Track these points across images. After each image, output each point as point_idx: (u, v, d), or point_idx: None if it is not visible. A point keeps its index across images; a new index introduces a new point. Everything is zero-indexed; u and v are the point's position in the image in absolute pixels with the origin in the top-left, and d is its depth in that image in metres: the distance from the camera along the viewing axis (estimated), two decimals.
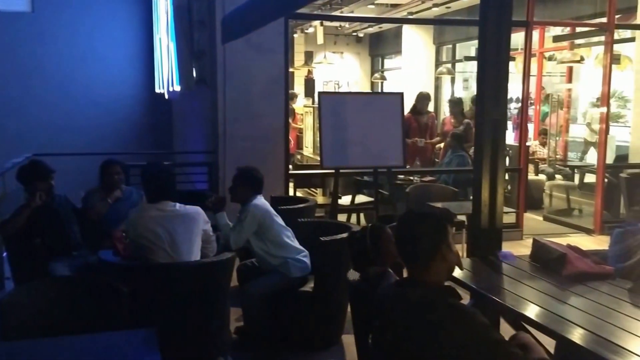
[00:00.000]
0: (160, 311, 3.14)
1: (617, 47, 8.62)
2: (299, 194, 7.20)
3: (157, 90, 10.05)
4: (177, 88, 7.58)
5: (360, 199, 6.70)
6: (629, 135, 8.26)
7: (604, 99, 7.12)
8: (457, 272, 2.97)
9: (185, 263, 3.26)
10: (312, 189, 7.84)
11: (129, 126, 10.65)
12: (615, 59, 7.70)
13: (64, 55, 10.24)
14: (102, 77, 10.50)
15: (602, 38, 7.31)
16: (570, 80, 9.93)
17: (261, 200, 3.73)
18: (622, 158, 8.43)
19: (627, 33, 8.22)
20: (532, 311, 2.54)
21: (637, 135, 7.59)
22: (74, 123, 10.08)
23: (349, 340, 3.61)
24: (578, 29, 8.88)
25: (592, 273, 2.92)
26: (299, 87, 14.69)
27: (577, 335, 2.24)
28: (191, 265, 3.27)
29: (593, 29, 8.13)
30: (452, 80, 12.63)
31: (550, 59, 10.14)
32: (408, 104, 8.43)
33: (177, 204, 3.37)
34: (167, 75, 8.42)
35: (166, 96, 9.10)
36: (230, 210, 3.79)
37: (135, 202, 4.12)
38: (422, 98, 7.96)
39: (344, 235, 3.54)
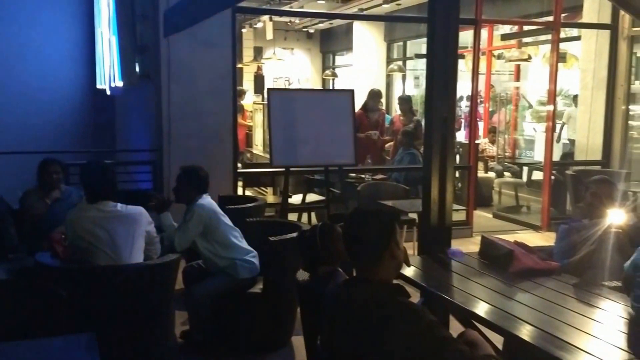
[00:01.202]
0: (101, 315, 3.08)
1: (564, 46, 8.95)
2: (248, 193, 7.16)
3: (98, 86, 9.78)
4: (119, 84, 7.40)
5: (312, 197, 6.71)
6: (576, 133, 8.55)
7: (551, 97, 7.36)
8: (408, 271, 3.04)
9: (127, 265, 3.20)
10: (262, 188, 7.80)
11: (69, 123, 10.32)
12: (561, 58, 7.98)
13: None
14: (40, 72, 10.11)
15: (549, 37, 7.56)
16: (518, 79, 10.22)
17: (207, 200, 3.68)
18: (568, 155, 8.75)
19: (574, 32, 8.52)
20: (480, 308, 2.59)
21: (583, 132, 7.88)
22: (9, 120, 9.67)
23: (299, 342, 3.60)
24: (525, 28, 9.17)
25: (538, 269, 3.01)
26: (248, 84, 14.59)
27: (524, 332, 2.30)
28: (133, 267, 3.21)
29: (540, 27, 8.40)
30: (404, 78, 12.81)
31: (499, 57, 10.41)
32: (359, 102, 8.52)
33: (119, 204, 3.30)
34: (108, 70, 8.20)
35: (108, 92, 8.87)
36: (176, 210, 3.73)
37: (74, 203, 3.99)
38: (374, 95, 8.04)
39: (294, 235, 3.54)
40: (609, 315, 2.44)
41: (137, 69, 6.85)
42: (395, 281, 2.79)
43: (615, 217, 2.83)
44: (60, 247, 3.30)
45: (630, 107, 7.54)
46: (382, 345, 1.85)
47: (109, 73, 8.19)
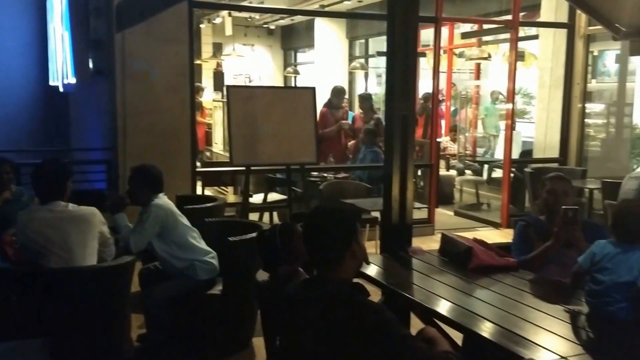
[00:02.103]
0: (53, 320, 3.02)
1: (523, 45, 9.16)
2: (208, 192, 7.10)
3: (51, 83, 9.54)
4: (72, 80, 7.24)
5: (273, 196, 6.71)
6: (534, 131, 8.77)
7: (509, 95, 7.53)
8: (369, 269, 3.07)
9: (80, 268, 3.14)
10: (223, 188, 7.75)
11: (21, 122, 10.04)
12: (520, 56, 8.17)
13: None
14: None
15: (508, 35, 7.73)
16: (478, 77, 10.41)
17: (163, 200, 3.64)
18: (527, 153, 8.96)
19: (533, 30, 8.73)
20: (439, 305, 2.64)
21: (541, 130, 8.08)
22: None
23: (260, 343, 3.59)
24: (485, 26, 9.35)
25: (496, 265, 3.07)
26: (207, 81, 14.45)
27: (482, 328, 2.35)
28: (86, 270, 3.15)
29: (499, 26, 8.58)
30: (366, 76, 12.89)
31: (460, 55, 10.59)
32: (322, 99, 8.54)
33: (71, 205, 3.23)
34: (61, 66, 8.03)
35: (61, 89, 8.67)
36: (132, 211, 3.68)
37: (25, 204, 3.90)
38: (337, 92, 8.08)
39: (254, 235, 3.53)
40: (563, 310, 2.51)
41: (91, 65, 6.71)
42: (356, 280, 2.83)
43: (572, 213, 2.91)
44: (10, 250, 3.22)
45: (587, 105, 7.77)
46: (342, 344, 1.86)
47: (62, 69, 8.01)
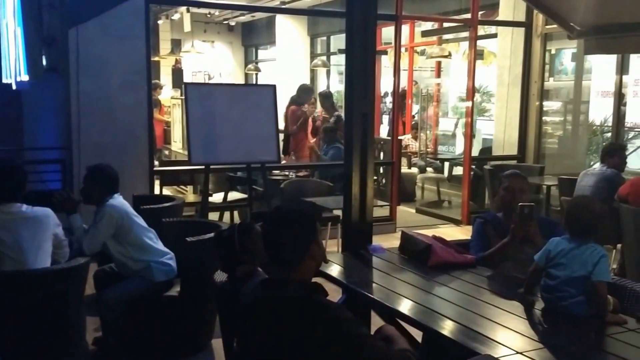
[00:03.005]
0: (6, 323, 2.97)
1: (484, 43, 9.32)
2: (167, 192, 7.01)
3: (4, 80, 9.25)
4: (25, 78, 7.03)
5: (234, 195, 6.66)
6: (493, 129, 8.93)
7: (469, 93, 7.65)
8: (330, 269, 3.07)
9: (33, 270, 3.08)
10: (182, 187, 7.66)
11: None
12: (479, 54, 8.31)
13: None
14: None
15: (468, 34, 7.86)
16: (439, 75, 10.54)
17: (118, 200, 3.57)
18: (487, 150, 9.13)
19: (493, 29, 8.88)
20: (399, 304, 2.65)
21: (500, 128, 8.24)
22: None
23: (219, 345, 3.56)
24: (446, 25, 9.48)
25: (455, 262, 3.12)
26: (166, 77, 14.26)
27: (441, 326, 2.38)
28: (39, 272, 3.09)
29: (458, 24, 8.71)
30: (328, 73, 12.92)
31: (422, 53, 10.70)
32: (284, 97, 8.53)
33: (24, 206, 3.17)
34: (14, 63, 7.79)
35: (14, 87, 8.41)
36: (88, 212, 3.60)
37: None
38: (306, 90, 8.10)
39: (212, 234, 3.49)
40: (520, 306, 2.56)
41: (44, 62, 6.53)
42: (317, 279, 2.83)
43: (528, 209, 2.97)
44: None
45: (544, 103, 7.96)
46: (300, 346, 1.86)
47: (14, 66, 7.78)
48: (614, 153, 5.38)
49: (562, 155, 8.14)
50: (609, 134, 7.55)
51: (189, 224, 4.26)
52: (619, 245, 5.24)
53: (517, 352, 2.10)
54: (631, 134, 12.06)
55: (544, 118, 7.93)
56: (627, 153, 6.00)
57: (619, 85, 6.90)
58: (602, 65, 9.59)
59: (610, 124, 7.55)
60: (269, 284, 2.03)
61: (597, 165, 5.40)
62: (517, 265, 3.00)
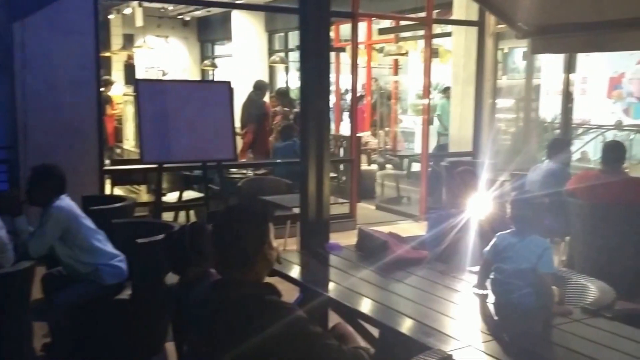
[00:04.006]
0: None
1: (441, 41, 9.47)
2: (119, 192, 6.88)
3: None
4: None
5: (189, 195, 6.59)
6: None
7: (425, 90, 7.77)
8: (288, 268, 3.08)
9: None
10: (135, 186, 7.54)
11: None
12: (434, 53, 8.44)
13: None
14: None
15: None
16: (396, 73, 10.66)
17: (66, 202, 3.49)
18: (444, 147, 9.28)
19: (449, 28, 9.02)
20: (355, 302, 2.68)
21: (456, 125, 8.39)
22: None
23: (174, 348, 3.54)
24: (403, 23, 9.59)
25: (410, 258, 3.18)
26: (118, 73, 14.00)
27: (396, 322, 2.42)
28: None
29: (413, 22, 8.83)
30: (287, 70, 12.90)
31: (381, 51, 10.81)
32: (243, 94, 8.52)
33: None
34: None
35: None
36: (35, 214, 3.51)
37: None
38: (259, 86, 8.11)
39: (163, 236, 3.45)
40: (472, 300, 2.62)
41: None
42: (273, 278, 2.83)
43: (479, 205, 3.05)
44: None
45: (497, 100, 8.14)
46: (253, 347, 1.85)
47: None
48: (560, 148, 5.55)
49: (515, 152, 8.34)
50: (559, 131, 7.79)
51: (140, 224, 4.20)
52: (567, 238, 5.41)
53: (468, 345, 2.16)
54: (580, 130, 12.48)
55: (497, 115, 8.12)
56: (577, 148, 6.23)
57: (567, 84, 7.12)
58: (551, 64, 9.89)
59: (559, 121, 7.78)
60: (221, 285, 2.01)
61: (545, 161, 5.57)
62: (469, 259, 3.07)
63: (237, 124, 10.80)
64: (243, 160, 8.35)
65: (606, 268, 4.75)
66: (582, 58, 7.59)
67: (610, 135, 9.59)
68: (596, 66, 13.66)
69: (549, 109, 9.97)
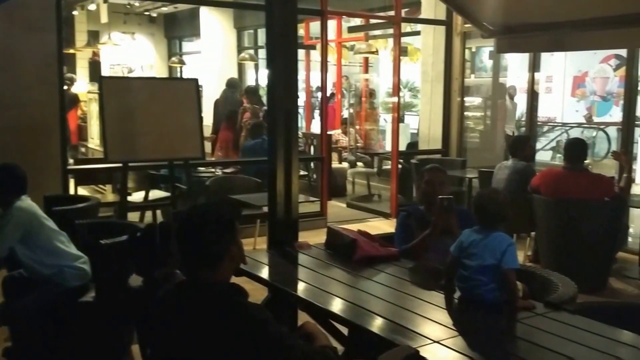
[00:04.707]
0: None
1: (411, 40, 9.56)
2: (84, 191, 6.78)
3: None
4: None
5: (156, 194, 6.51)
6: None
7: (395, 89, 7.83)
8: (257, 268, 3.07)
9: None
10: (101, 186, 7.43)
11: None
12: (403, 51, 8.51)
13: None
14: None
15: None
16: (367, 71, 10.71)
17: (26, 202, 3.41)
18: (415, 145, 9.36)
19: (419, 26, 9.10)
20: (324, 301, 2.68)
21: (425, 123, 8.47)
22: None
23: (139, 351, 3.50)
24: (372, 21, 9.64)
25: (379, 256, 3.19)
26: (82, 71, 13.78)
27: (365, 320, 2.43)
28: None
29: (382, 21, 8.88)
30: (256, 67, 12.84)
31: (351, 49, 10.85)
32: (212, 91, 8.47)
33: None
34: None
35: None
36: None
37: None
38: (230, 84, 8.08)
39: (128, 236, 3.42)
40: (440, 297, 2.65)
41: None
42: (241, 278, 2.82)
43: (447, 202, 3.08)
44: None
45: (466, 99, 8.25)
46: (220, 348, 1.85)
47: None
48: (522, 146, 5.66)
49: (482, 149, 8.48)
50: (524, 129, 7.93)
51: (104, 225, 4.14)
52: (533, 233, 5.52)
53: (434, 341, 2.19)
54: (545, 128, 12.72)
55: (465, 113, 8.22)
56: (543, 145, 6.34)
57: (532, 82, 7.25)
58: (516, 63, 10.07)
59: (525, 118, 7.92)
60: (186, 286, 2.00)
61: (510, 159, 5.66)
62: (438, 256, 3.10)
63: (207, 122, 10.78)
64: (212, 158, 8.32)
65: (570, 262, 4.88)
66: (547, 57, 7.75)
67: (576, 133, 9.82)
68: (561, 65, 13.97)
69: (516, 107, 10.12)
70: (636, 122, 7.74)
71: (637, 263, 5.43)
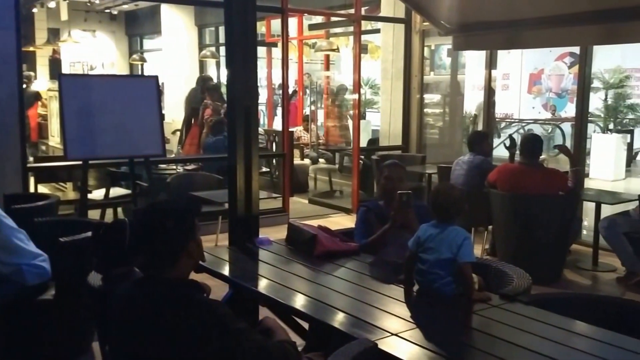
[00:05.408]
0: None
1: (372, 37, 9.60)
2: (44, 189, 6.62)
3: None
4: None
5: (117, 192, 6.40)
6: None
7: (355, 86, 7.85)
8: (217, 264, 3.04)
9: None
10: (62, 184, 7.27)
11: None
12: (364, 49, 8.54)
13: None
14: None
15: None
16: (328, 68, 10.72)
17: None
18: (376, 141, 9.42)
19: (379, 24, 9.13)
20: (285, 296, 2.66)
21: (386, 120, 8.53)
22: None
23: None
24: (333, 19, 9.65)
25: (339, 251, 3.19)
26: (43, 68, 13.47)
27: (325, 315, 2.42)
28: None
29: (343, 19, 8.89)
30: (218, 65, 12.73)
31: (313, 47, 10.84)
32: (174, 88, 8.35)
33: None
34: None
35: None
36: None
37: None
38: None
39: (88, 234, 3.35)
40: (399, 291, 2.66)
41: None
42: (202, 275, 2.79)
43: (406, 197, 3.10)
44: None
45: (425, 96, 8.33)
46: (178, 345, 1.82)
47: None
48: (480, 141, 5.74)
49: (442, 145, 8.57)
50: (481, 125, 8.05)
51: (64, 223, 4.04)
52: (490, 227, 5.61)
53: (393, 334, 2.19)
54: (502, 124, 12.96)
55: (425, 110, 8.30)
56: (500, 142, 6.44)
57: (489, 80, 7.36)
58: (475, 61, 10.21)
59: (483, 115, 8.03)
60: (144, 283, 1.97)
61: (467, 154, 5.74)
62: (397, 250, 3.12)
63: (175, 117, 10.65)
64: (172, 155, 8.23)
65: (525, 255, 4.97)
66: (504, 55, 7.88)
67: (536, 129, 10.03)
68: (517, 63, 14.24)
69: (473, 103, 10.29)
70: (589, 118, 7.96)
71: (591, 255, 5.57)
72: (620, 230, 5.05)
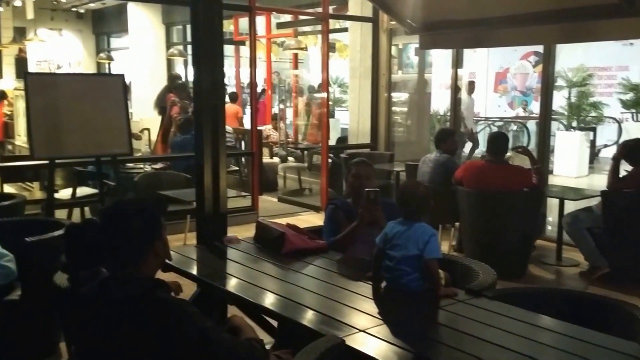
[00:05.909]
0: None
1: (340, 36, 9.60)
2: (11, 189, 6.47)
3: None
4: None
5: (83, 191, 6.29)
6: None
7: (324, 84, 7.85)
8: (185, 263, 3.00)
9: None
10: (28, 183, 7.12)
11: None
12: (332, 47, 8.54)
13: None
14: None
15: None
16: (296, 67, 10.70)
17: None
18: (345, 139, 9.43)
19: (347, 23, 9.15)
20: (253, 294, 2.64)
21: (354, 118, 8.54)
22: None
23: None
24: (301, 17, 9.63)
25: (308, 248, 3.18)
26: (8, 67, 13.19)
27: (294, 312, 2.41)
28: None
29: (310, 17, 8.87)
30: (185, 63, 12.61)
31: (281, 45, 10.80)
32: (142, 86, 8.22)
33: None
34: None
35: None
36: None
37: None
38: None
39: (53, 234, 3.28)
40: (367, 287, 2.67)
41: None
42: (169, 274, 2.75)
43: (374, 194, 3.10)
44: None
45: (393, 94, 8.37)
46: (144, 345, 1.79)
47: None
48: (446, 139, 5.79)
49: (409, 143, 8.63)
50: (448, 123, 8.13)
51: (30, 223, 3.95)
52: (457, 224, 5.67)
53: (360, 330, 2.19)
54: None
55: (393, 108, 8.34)
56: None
57: (455, 78, 7.43)
58: (442, 60, 10.30)
59: (450, 113, 8.12)
60: (109, 282, 1.93)
61: (434, 152, 5.78)
62: (365, 247, 3.12)
63: (137, 116, 10.50)
64: (139, 154, 8.11)
65: (491, 251, 5.03)
66: (470, 54, 7.97)
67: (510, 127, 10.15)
68: (483, 62, 14.43)
69: (440, 102, 10.39)
70: (553, 116, 8.10)
71: (555, 250, 5.66)
72: (583, 226, 5.15)
